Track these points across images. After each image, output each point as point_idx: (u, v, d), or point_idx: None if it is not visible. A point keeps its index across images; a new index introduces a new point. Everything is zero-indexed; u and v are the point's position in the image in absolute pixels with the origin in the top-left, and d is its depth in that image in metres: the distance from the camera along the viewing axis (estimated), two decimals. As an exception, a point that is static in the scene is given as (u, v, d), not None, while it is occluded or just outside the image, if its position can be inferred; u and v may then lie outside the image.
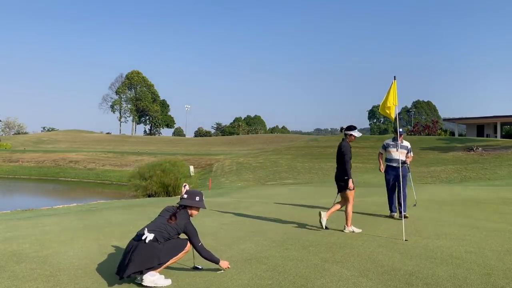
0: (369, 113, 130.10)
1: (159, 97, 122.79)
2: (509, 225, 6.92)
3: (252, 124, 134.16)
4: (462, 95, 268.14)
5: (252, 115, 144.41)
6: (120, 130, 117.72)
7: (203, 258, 4.33)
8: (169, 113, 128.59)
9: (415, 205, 8.44)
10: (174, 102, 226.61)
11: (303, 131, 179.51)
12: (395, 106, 6.55)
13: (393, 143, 8.18)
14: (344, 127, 6.74)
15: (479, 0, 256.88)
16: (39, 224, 7.63)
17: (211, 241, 5.85)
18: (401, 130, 7.99)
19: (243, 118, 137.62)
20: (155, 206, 10.34)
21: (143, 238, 4.01)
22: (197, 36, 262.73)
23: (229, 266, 4.48)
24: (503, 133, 50.52)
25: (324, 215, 6.58)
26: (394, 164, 8.00)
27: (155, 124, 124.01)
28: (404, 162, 8.03)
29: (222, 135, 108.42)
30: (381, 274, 4.36)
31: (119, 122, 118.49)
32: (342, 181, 6.55)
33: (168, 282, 4.07)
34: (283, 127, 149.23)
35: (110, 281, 4.12)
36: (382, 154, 8.43)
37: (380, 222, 7.18)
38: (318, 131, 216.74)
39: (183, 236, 4.32)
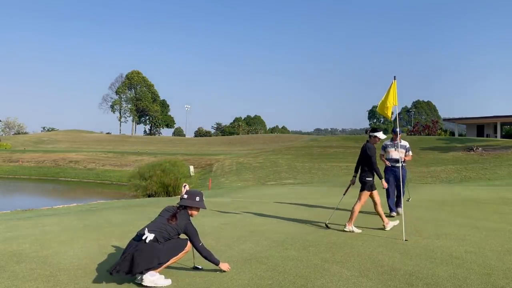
0: (369, 113, 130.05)
1: (159, 97, 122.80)
2: (509, 225, 6.92)
3: (252, 124, 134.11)
4: (462, 95, 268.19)
5: (252, 115, 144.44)
6: (120, 130, 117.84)
7: (203, 258, 4.33)
8: (169, 113, 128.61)
9: (408, 199, 8.53)
10: (174, 102, 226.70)
11: (303, 131, 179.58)
12: (395, 106, 6.56)
13: (391, 143, 8.27)
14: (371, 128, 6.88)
15: None
16: (39, 224, 7.63)
17: (211, 241, 5.85)
18: (397, 129, 8.02)
19: (243, 118, 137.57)
20: (155, 206, 10.34)
21: (143, 238, 4.01)
22: (197, 36, 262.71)
23: (229, 268, 4.47)
24: (503, 133, 50.54)
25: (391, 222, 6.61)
26: (394, 164, 8.05)
27: (155, 124, 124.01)
28: (403, 161, 8.10)
29: (222, 135, 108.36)
30: (381, 274, 4.37)
31: (119, 122, 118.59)
32: (362, 181, 6.63)
33: (168, 282, 4.07)
34: (283, 127, 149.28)
35: (110, 281, 4.12)
36: (382, 155, 8.48)
37: (380, 222, 7.15)
38: (318, 131, 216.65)
39: (183, 236, 4.33)
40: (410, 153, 8.37)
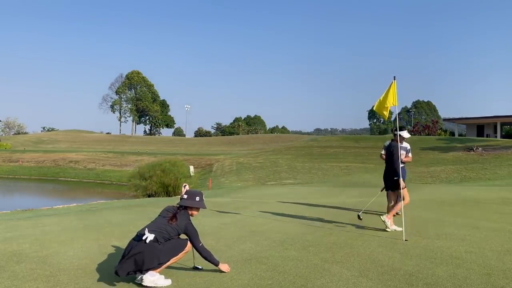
0: (369, 113, 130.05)
1: (159, 97, 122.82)
2: (509, 225, 6.92)
3: (252, 124, 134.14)
4: (462, 95, 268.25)
5: (252, 115, 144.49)
6: (120, 130, 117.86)
7: (203, 258, 4.33)
8: (169, 113, 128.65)
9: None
10: (174, 102, 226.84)
11: (303, 131, 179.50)
12: (395, 107, 6.55)
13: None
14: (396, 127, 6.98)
15: (479, 0, 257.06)
16: (39, 224, 7.63)
17: (211, 241, 5.85)
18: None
19: (243, 118, 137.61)
20: (155, 206, 10.34)
21: (143, 238, 4.01)
22: (197, 36, 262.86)
23: (229, 269, 4.47)
24: (503, 133, 50.53)
25: (385, 219, 6.60)
26: None
27: (155, 124, 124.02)
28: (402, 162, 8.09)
29: (222, 135, 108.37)
30: (381, 274, 4.37)
31: (119, 122, 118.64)
32: (391, 180, 6.85)
33: (168, 282, 4.07)
34: (283, 127, 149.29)
35: (110, 281, 4.12)
36: (383, 154, 8.46)
37: (380, 222, 7.15)
38: (318, 131, 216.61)
39: (183, 236, 4.33)
40: (410, 154, 8.35)
